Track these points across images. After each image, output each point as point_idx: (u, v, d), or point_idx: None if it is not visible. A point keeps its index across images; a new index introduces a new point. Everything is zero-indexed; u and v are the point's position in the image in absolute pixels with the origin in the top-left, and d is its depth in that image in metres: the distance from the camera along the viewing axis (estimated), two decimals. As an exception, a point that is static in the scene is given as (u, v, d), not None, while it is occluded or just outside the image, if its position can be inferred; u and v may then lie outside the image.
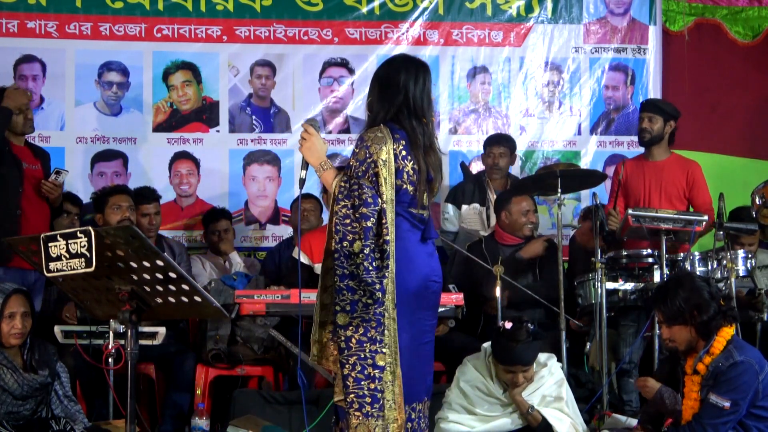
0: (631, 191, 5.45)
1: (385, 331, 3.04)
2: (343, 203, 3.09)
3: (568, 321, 4.96)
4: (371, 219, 3.07)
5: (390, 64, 3.27)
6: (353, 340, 3.02)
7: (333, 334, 3.11)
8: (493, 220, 5.77)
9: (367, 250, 3.03)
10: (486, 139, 6.16)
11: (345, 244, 3.04)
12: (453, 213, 6.05)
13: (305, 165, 3.13)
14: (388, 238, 3.05)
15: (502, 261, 5.05)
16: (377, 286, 3.03)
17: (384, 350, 3.03)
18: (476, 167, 6.39)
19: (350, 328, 3.02)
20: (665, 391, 3.86)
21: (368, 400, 2.97)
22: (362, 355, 3.01)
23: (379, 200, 3.09)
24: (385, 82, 3.22)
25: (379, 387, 2.98)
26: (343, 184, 3.09)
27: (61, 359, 4.19)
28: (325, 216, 5.33)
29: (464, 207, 5.96)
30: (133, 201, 5.21)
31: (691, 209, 5.34)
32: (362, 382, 2.99)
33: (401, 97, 3.20)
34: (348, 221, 3.06)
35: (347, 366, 3.03)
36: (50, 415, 3.99)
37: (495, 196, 5.88)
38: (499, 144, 6.01)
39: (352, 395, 3.00)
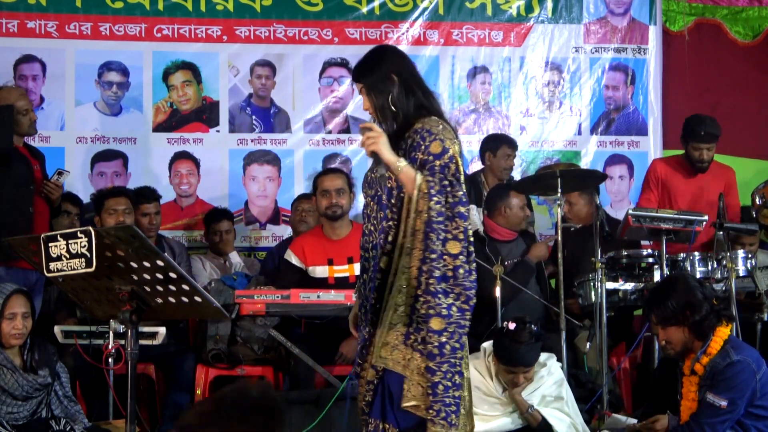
0: (671, 193, 5.56)
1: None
2: (436, 199, 2.90)
3: (568, 320, 4.98)
4: (468, 220, 2.96)
5: (401, 56, 3.14)
6: (447, 347, 2.88)
7: (409, 338, 2.93)
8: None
9: (465, 253, 2.92)
10: (494, 139, 6.12)
11: (438, 244, 2.88)
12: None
13: (380, 163, 2.98)
14: (471, 239, 2.97)
15: (512, 267, 5.04)
16: (472, 292, 2.95)
17: (466, 358, 2.97)
18: (475, 168, 6.39)
19: (445, 333, 2.88)
20: (672, 418, 3.86)
21: (453, 408, 2.87)
22: (453, 362, 2.89)
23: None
24: (408, 74, 3.06)
25: (459, 395, 2.91)
26: (431, 179, 2.90)
27: (60, 359, 4.19)
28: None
29: None
30: (132, 202, 5.20)
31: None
32: (450, 390, 2.88)
33: (422, 88, 3.10)
34: (442, 219, 2.90)
35: (438, 373, 2.88)
36: (50, 415, 3.99)
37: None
38: (511, 145, 6.05)
39: (439, 404, 2.87)
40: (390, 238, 2.99)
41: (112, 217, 5.04)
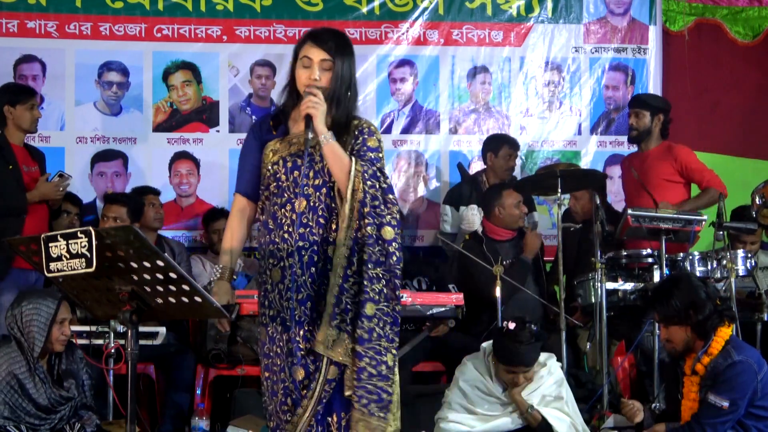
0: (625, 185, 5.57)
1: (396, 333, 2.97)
2: (370, 183, 2.95)
3: (567, 320, 4.98)
4: (397, 206, 3.02)
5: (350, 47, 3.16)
6: (375, 333, 2.90)
7: (349, 324, 2.93)
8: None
9: (398, 239, 2.96)
10: (495, 140, 6.14)
11: (373, 228, 2.93)
12: (451, 215, 6.08)
13: (310, 126, 2.95)
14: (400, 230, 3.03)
15: (510, 266, 5.05)
16: (399, 282, 2.97)
17: (393, 351, 2.96)
18: (476, 168, 6.41)
19: (374, 319, 2.90)
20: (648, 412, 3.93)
21: (374, 397, 2.90)
22: (379, 350, 2.91)
23: None
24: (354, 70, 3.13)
25: (386, 387, 2.92)
26: (364, 163, 2.97)
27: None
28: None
29: (462, 208, 5.96)
30: (132, 213, 5.25)
31: (699, 192, 5.42)
32: (373, 378, 2.91)
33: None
34: (377, 204, 2.95)
35: (365, 359, 2.90)
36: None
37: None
38: (513, 145, 6.08)
39: (362, 390, 2.91)
40: (333, 226, 3.01)
41: (105, 224, 5.14)
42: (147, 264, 2.55)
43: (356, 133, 3.08)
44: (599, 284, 4.78)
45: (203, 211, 6.17)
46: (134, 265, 2.56)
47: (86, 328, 4.40)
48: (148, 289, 2.62)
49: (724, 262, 4.79)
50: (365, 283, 2.92)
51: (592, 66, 6.69)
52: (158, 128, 6.30)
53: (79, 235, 2.53)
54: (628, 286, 4.98)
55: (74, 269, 2.55)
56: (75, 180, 5.86)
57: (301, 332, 2.98)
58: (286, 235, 3.02)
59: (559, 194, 4.98)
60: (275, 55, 6.39)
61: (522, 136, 6.57)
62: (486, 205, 5.61)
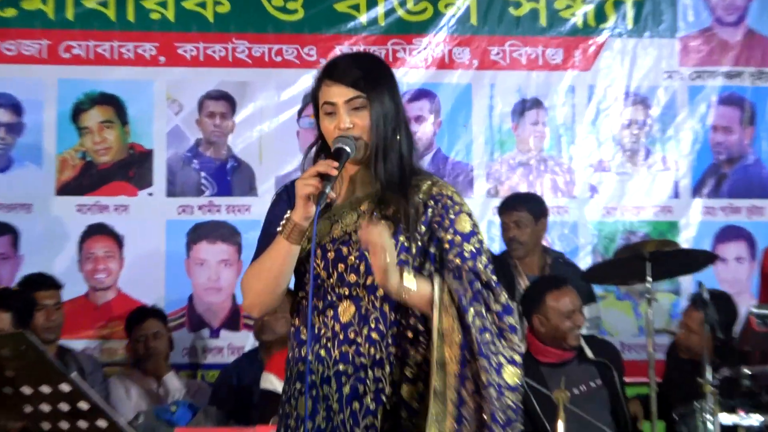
0: None
1: None
2: (473, 311, 2.95)
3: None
4: (518, 330, 3.04)
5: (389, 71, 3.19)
6: None
7: None
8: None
9: (522, 383, 3.02)
10: (500, 204, 6.24)
11: (492, 374, 2.94)
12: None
13: (326, 188, 2.89)
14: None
15: (564, 385, 5.09)
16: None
17: None
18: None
19: None
20: None
21: None
22: None
23: None
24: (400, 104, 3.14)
25: None
26: (458, 284, 2.96)
27: None
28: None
29: None
30: (19, 316, 5.31)
31: None
32: None
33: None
34: (489, 338, 2.96)
35: None
36: None
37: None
38: (513, 208, 6.06)
39: None
40: (414, 359, 3.02)
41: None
42: (46, 389, 2.52)
43: (430, 204, 3.07)
44: (711, 418, 4.75)
45: (127, 311, 6.14)
46: (27, 391, 2.53)
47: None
48: (47, 426, 2.56)
49: None
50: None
51: (693, 98, 6.72)
52: (64, 190, 6.33)
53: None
54: (755, 420, 4.93)
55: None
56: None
57: None
58: (322, 352, 3.04)
59: (648, 284, 4.95)
60: (235, 84, 6.45)
61: (593, 200, 6.60)
62: (524, 310, 5.59)
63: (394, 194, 3.02)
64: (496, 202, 6.49)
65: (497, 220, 6.26)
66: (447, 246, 3.01)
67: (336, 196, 3.08)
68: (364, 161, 3.03)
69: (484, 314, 2.97)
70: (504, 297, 3.01)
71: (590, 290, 6.00)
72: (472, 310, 2.94)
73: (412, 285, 2.92)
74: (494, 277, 3.01)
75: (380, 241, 2.85)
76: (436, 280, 2.94)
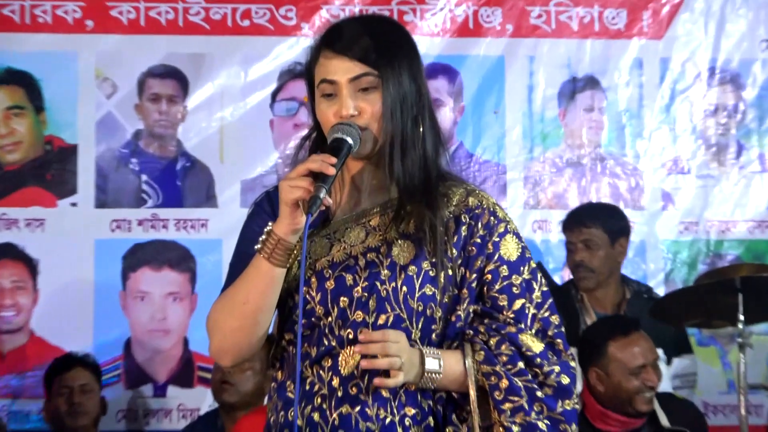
0: None
1: None
2: (514, 404, 2.88)
3: None
4: (575, 398, 3.03)
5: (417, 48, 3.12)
6: None
7: None
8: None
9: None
10: (565, 217, 6.12)
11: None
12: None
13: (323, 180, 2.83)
14: None
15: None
16: None
17: None
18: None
19: None
20: None
21: None
22: None
23: None
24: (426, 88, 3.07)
25: None
26: (488, 371, 2.92)
27: None
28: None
29: None
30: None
31: None
32: None
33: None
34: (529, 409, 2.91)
35: None
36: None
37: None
38: (582, 223, 5.91)
39: None
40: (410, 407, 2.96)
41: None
42: None
43: (464, 219, 2.99)
44: None
45: (43, 360, 6.00)
46: None
47: None
48: None
49: None
50: None
51: (801, 78, 6.60)
52: (-41, 199, 6.24)
53: None
54: None
55: None
56: None
57: None
58: (316, 416, 2.97)
59: (740, 324, 4.90)
60: (187, 57, 6.30)
61: (667, 212, 6.37)
62: (581, 361, 5.33)
63: (415, 204, 2.95)
64: (537, 214, 6.55)
65: (538, 238, 6.38)
66: (489, 277, 2.94)
67: (334, 204, 3.02)
68: (373, 159, 2.94)
69: (527, 407, 2.91)
70: (555, 372, 2.92)
71: (683, 337, 5.92)
72: (507, 407, 2.92)
73: (436, 366, 2.91)
74: (552, 331, 2.97)
75: (386, 352, 2.85)
76: (468, 351, 2.95)
